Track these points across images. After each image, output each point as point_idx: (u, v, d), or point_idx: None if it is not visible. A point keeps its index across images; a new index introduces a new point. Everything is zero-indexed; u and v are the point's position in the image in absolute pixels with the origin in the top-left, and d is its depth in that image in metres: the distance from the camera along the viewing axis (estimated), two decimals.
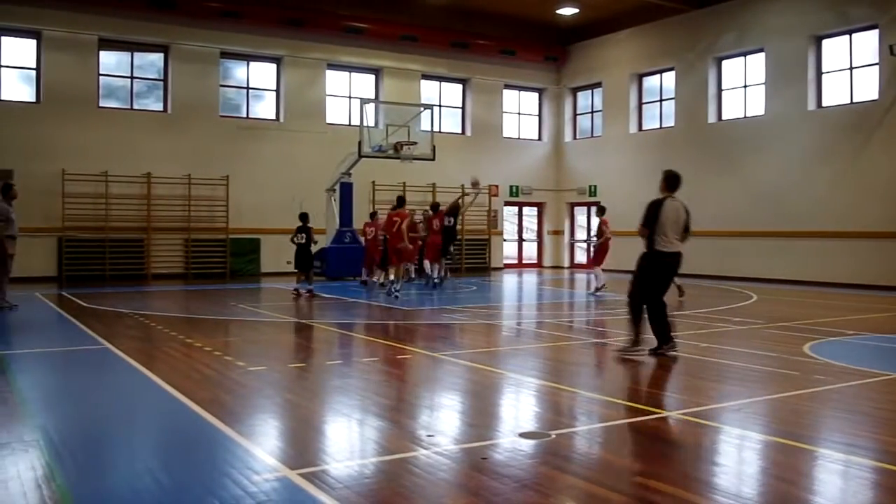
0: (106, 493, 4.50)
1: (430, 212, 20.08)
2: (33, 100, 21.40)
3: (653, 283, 8.99)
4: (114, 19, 21.79)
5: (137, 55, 22.91)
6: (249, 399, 6.96)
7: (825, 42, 21.51)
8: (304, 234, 17.22)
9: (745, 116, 23.54)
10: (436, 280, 19.14)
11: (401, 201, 17.46)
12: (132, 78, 22.88)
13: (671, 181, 9.20)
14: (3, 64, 21.14)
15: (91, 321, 12.23)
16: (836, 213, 20.63)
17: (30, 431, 5.69)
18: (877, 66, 20.14)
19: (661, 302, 9.01)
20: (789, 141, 21.85)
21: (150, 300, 16.77)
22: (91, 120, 21.71)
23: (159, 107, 23.15)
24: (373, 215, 20.03)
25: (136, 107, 22.87)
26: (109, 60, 22.57)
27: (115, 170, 21.62)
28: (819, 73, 21.62)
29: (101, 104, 22.22)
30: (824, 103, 21.51)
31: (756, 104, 23.18)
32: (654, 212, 8.88)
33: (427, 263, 19.37)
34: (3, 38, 21.10)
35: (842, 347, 10.01)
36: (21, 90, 21.42)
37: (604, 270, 17.89)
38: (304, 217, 17.44)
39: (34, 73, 21.43)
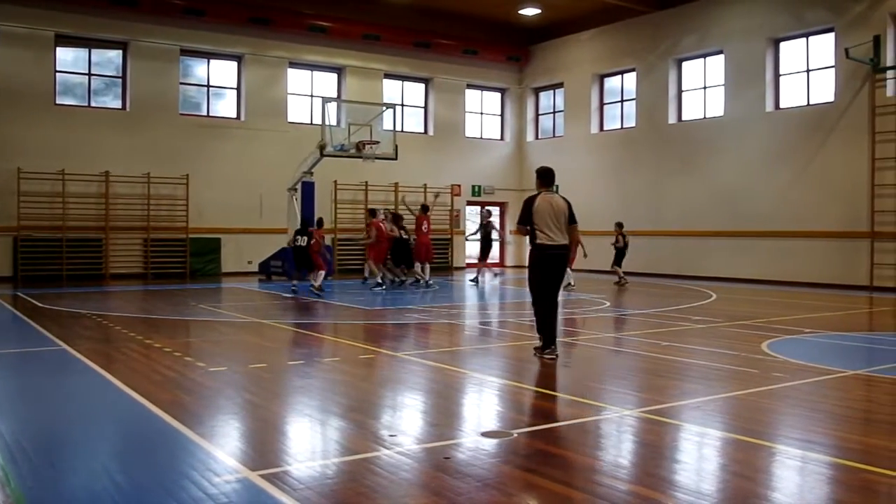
0: (63, 497, 4.43)
1: (421, 211, 20.54)
2: None
3: (539, 278, 8.91)
4: (71, 15, 21.43)
5: (95, 52, 22.57)
6: (210, 400, 6.89)
7: (783, 44, 21.82)
8: (304, 237, 17.41)
9: (704, 117, 23.80)
10: (428, 281, 19.78)
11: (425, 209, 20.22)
12: (90, 75, 22.53)
13: (543, 176, 9.20)
14: None
15: (47, 322, 12.03)
16: (794, 212, 20.94)
17: None
18: (833, 69, 20.48)
19: (550, 301, 8.92)
20: (748, 142, 22.14)
21: (108, 300, 16.54)
22: (48, 117, 21.33)
23: (118, 104, 22.83)
24: (373, 212, 19.94)
25: (93, 104, 22.53)
26: (66, 57, 22.20)
27: (72, 168, 21.28)
28: (777, 75, 21.93)
29: (57, 101, 21.84)
30: (782, 105, 21.82)
31: (715, 105, 23.45)
32: (525, 209, 8.98)
33: (417, 265, 19.95)
34: None
35: (799, 345, 10.17)
36: None
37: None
38: (307, 222, 18.20)
39: None
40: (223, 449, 5.29)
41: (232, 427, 6.15)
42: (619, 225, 21.28)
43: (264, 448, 5.46)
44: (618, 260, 21.05)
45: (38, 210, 20.95)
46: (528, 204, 8.95)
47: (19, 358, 9.46)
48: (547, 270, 8.84)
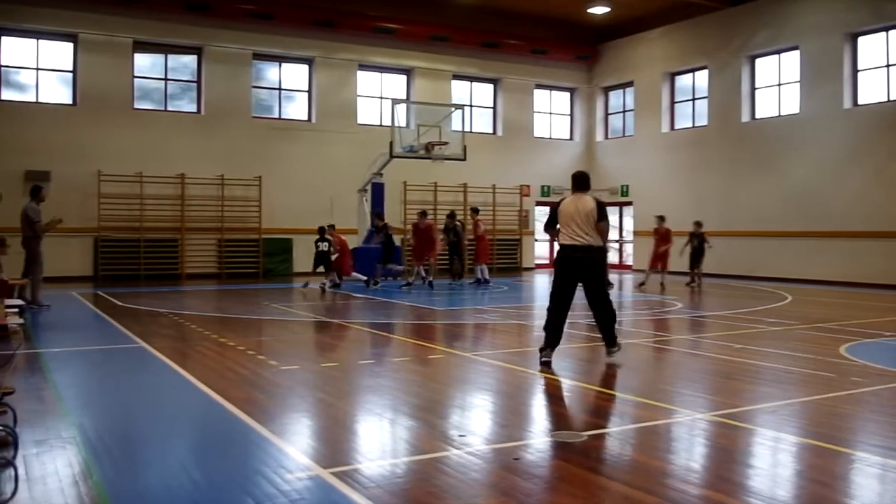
0: (141, 491, 4.56)
1: (475, 214, 21.67)
2: (70, 102, 21.72)
3: (557, 276, 8.75)
4: (148, 21, 22.03)
5: (171, 57, 23.16)
6: (282, 398, 7.00)
7: (861, 39, 21.22)
8: (325, 243, 18.99)
9: (779, 115, 23.28)
10: (487, 279, 20.65)
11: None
12: (166, 80, 23.13)
13: (574, 180, 9.01)
14: (41, 67, 21.47)
15: (126, 320, 12.38)
16: (871, 212, 20.33)
17: (67, 428, 5.77)
18: None
19: (562, 304, 8.70)
20: (824, 140, 21.58)
21: (184, 299, 16.94)
22: (126, 121, 21.98)
23: (193, 108, 23.38)
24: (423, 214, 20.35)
25: (169, 108, 23.12)
26: (144, 62, 22.83)
27: (149, 170, 21.87)
28: (855, 71, 21.33)
29: (135, 106, 22.48)
30: (860, 101, 21.22)
31: (790, 103, 22.91)
32: (551, 212, 8.99)
33: (482, 267, 20.77)
34: (40, 41, 21.42)
35: (878, 349, 9.87)
36: (58, 93, 21.74)
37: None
38: (323, 230, 19.21)
39: (71, 75, 21.74)
40: (295, 446, 5.37)
41: (304, 425, 6.25)
42: (696, 224, 20.35)
43: (335, 446, 5.53)
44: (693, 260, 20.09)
45: (116, 211, 21.59)
46: (554, 207, 8.94)
47: (101, 355, 9.76)
48: (566, 269, 8.66)
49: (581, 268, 8.56)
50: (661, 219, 20.32)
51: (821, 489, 4.58)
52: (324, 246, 18.90)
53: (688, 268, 20.07)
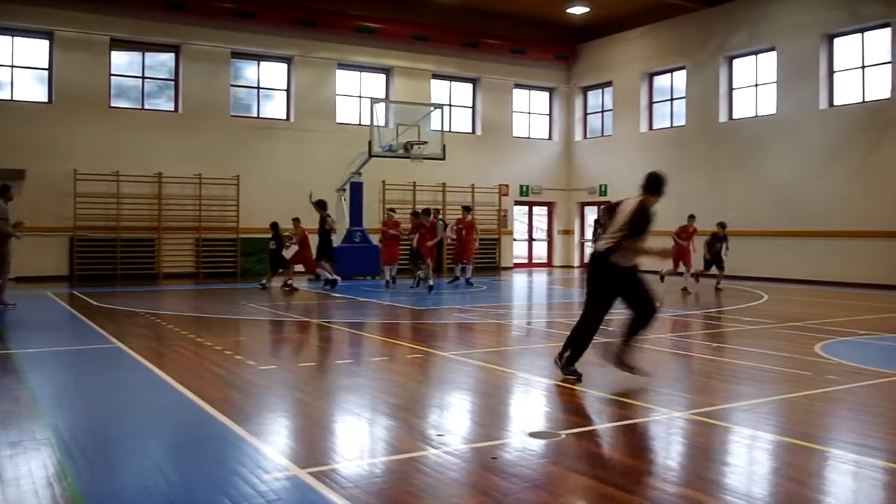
0: (117, 491, 4.52)
1: (467, 212, 21.10)
2: (46, 100, 21.51)
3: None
4: (125, 19, 21.87)
5: (148, 55, 22.99)
6: (260, 398, 6.97)
7: (837, 40, 21.41)
8: (274, 241, 18.89)
9: (756, 115, 23.45)
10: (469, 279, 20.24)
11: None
12: (143, 78, 22.96)
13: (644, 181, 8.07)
14: (16, 64, 21.25)
15: (102, 320, 12.28)
16: (848, 212, 20.53)
17: (41, 430, 5.71)
18: (889, 65, 20.05)
19: (602, 309, 7.63)
20: (801, 140, 21.76)
21: (160, 299, 16.83)
22: (103, 120, 21.80)
23: (170, 106, 23.23)
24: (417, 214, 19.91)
25: (147, 106, 22.96)
26: (121, 60, 22.66)
27: (126, 169, 21.71)
28: (831, 72, 21.53)
29: (112, 104, 22.31)
30: (836, 102, 21.42)
31: (767, 103, 23.09)
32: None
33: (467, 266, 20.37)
34: (16, 38, 21.19)
35: (854, 347, 9.96)
36: (34, 90, 21.53)
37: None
38: (275, 225, 18.99)
39: (47, 73, 21.53)
40: (272, 446, 5.35)
41: (281, 425, 6.22)
42: (720, 225, 19.17)
43: (313, 446, 5.51)
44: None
45: (93, 210, 21.42)
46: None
47: (76, 355, 9.67)
48: (590, 274, 7.79)
49: (595, 270, 7.68)
50: (693, 217, 19.31)
51: (796, 487, 4.61)
52: (273, 245, 18.83)
53: (710, 269, 18.93)
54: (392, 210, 21.39)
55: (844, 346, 9.99)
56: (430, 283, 17.96)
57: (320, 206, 19.41)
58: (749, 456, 5.37)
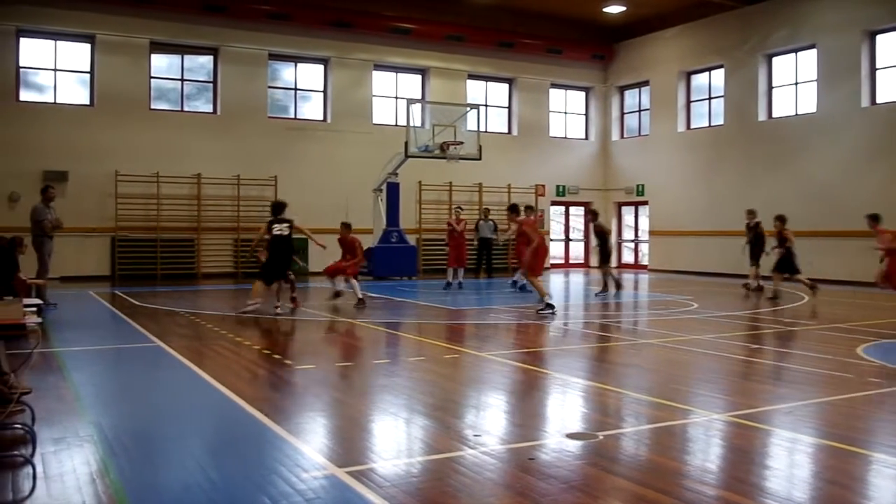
0: (158, 488, 4.59)
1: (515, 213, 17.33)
2: (88, 103, 21.84)
3: None
4: (165, 23, 22.14)
5: (187, 58, 23.25)
6: (298, 397, 7.02)
7: (879, 37, 21.06)
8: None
9: (796, 114, 23.12)
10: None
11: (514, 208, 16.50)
12: (182, 80, 23.23)
13: None
14: (58, 68, 21.62)
15: (143, 319, 12.45)
16: (890, 211, 20.13)
17: (84, 427, 5.82)
18: None
19: None
20: (842, 139, 21.43)
21: (200, 299, 17.01)
22: (143, 122, 22.09)
23: (209, 108, 23.48)
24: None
25: (186, 109, 23.22)
26: (160, 63, 22.93)
27: (166, 171, 21.97)
28: (873, 69, 21.17)
29: (152, 106, 22.58)
30: (879, 99, 21.07)
31: (808, 101, 22.76)
32: None
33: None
34: (58, 42, 21.55)
35: None
36: (76, 93, 21.87)
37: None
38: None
39: (88, 76, 21.87)
40: (310, 445, 5.40)
41: (319, 424, 6.26)
42: (779, 219, 17.74)
43: (350, 445, 5.54)
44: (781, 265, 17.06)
45: (133, 211, 21.71)
46: None
47: (118, 354, 9.82)
48: None
49: None
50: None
51: (838, 490, 4.55)
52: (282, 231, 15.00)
53: (771, 270, 17.30)
54: (460, 208, 21.22)
55: (887, 348, 9.81)
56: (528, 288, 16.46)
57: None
58: (789, 459, 5.31)
